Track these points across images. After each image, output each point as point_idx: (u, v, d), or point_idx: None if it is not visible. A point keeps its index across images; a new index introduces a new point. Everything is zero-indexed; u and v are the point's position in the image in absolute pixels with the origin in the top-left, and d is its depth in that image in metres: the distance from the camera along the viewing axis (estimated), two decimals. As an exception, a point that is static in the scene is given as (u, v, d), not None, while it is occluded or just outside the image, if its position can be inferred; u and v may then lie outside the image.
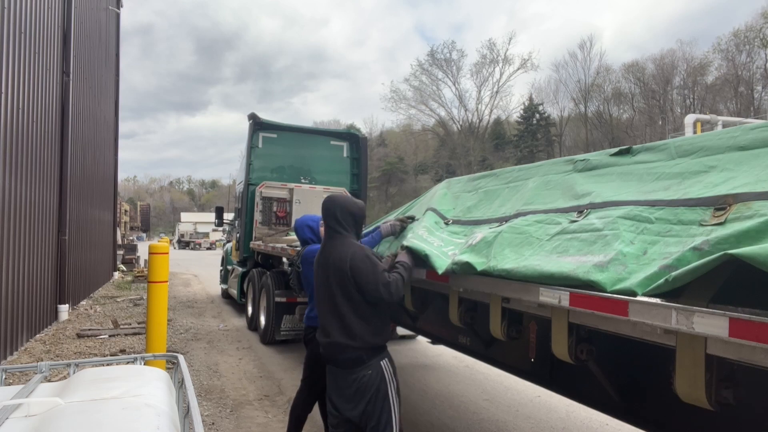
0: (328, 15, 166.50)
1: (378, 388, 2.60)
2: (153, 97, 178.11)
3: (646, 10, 72.71)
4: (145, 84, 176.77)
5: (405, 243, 2.89)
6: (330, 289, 2.65)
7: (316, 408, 4.06)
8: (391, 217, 4.36)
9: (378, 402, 2.59)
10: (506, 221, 2.69)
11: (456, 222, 3.21)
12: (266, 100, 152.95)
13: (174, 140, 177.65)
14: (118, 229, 21.98)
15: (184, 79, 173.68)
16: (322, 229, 4.08)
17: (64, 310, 8.72)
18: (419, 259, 2.75)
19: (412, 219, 3.52)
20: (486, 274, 2.28)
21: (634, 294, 1.59)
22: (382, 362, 2.65)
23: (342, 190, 8.95)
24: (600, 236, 1.97)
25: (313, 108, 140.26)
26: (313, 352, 3.70)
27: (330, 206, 2.79)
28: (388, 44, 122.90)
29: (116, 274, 16.24)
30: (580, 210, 2.29)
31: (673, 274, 1.50)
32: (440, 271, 2.53)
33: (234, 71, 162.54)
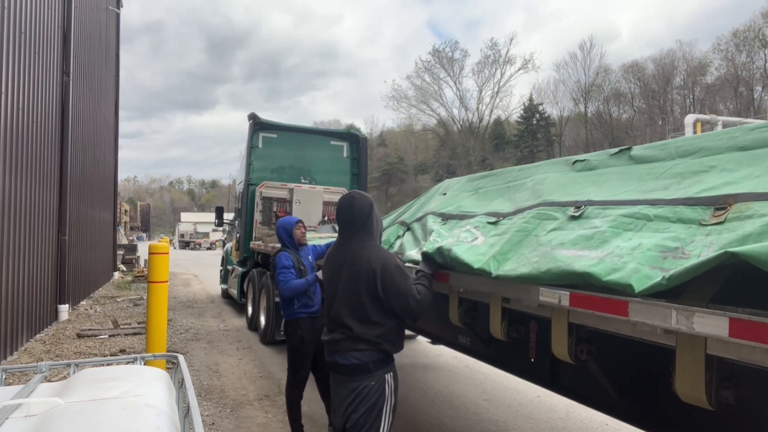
0: (341, 12, 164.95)
1: (375, 402, 2.47)
2: (161, 96, 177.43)
3: (666, 6, 71.87)
4: (153, 83, 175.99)
5: (423, 250, 2.80)
6: (354, 289, 2.50)
7: (315, 407, 4.12)
8: (390, 218, 4.37)
9: (370, 417, 2.46)
10: (504, 217, 2.69)
11: (453, 218, 3.21)
12: (274, 98, 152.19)
13: (179, 139, 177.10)
14: (120, 230, 21.97)
15: (192, 77, 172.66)
16: (297, 232, 4.16)
17: (64, 310, 8.72)
18: (437, 263, 2.67)
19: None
20: (485, 275, 2.28)
21: (630, 287, 1.58)
22: (386, 375, 2.52)
23: (342, 190, 8.96)
24: (598, 232, 1.97)
25: (321, 107, 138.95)
26: (293, 342, 3.99)
27: (360, 206, 2.61)
28: (400, 41, 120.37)
29: (116, 274, 16.24)
30: (578, 205, 2.29)
31: (672, 272, 1.50)
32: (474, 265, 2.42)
33: (243, 70, 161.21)
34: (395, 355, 2.65)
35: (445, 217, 3.30)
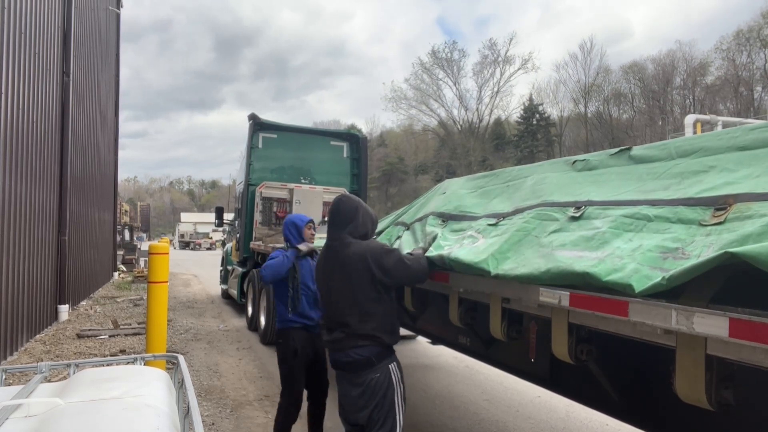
0: (351, 9, 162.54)
1: (385, 393, 2.53)
2: (167, 95, 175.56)
3: (681, 3, 70.51)
4: (160, 82, 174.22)
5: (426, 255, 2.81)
6: (347, 286, 2.58)
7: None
8: (390, 219, 4.36)
9: (384, 408, 2.53)
10: (504, 217, 2.69)
11: (453, 219, 3.21)
12: (280, 98, 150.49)
13: (183, 139, 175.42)
14: (127, 230, 21.82)
15: (200, 76, 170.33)
16: (308, 231, 3.81)
17: (64, 310, 8.72)
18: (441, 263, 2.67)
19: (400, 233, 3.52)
20: (484, 273, 2.28)
21: (630, 287, 1.58)
22: (390, 366, 2.59)
23: (342, 191, 8.97)
24: (598, 233, 1.97)
25: (327, 106, 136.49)
26: (284, 354, 3.60)
27: (349, 210, 2.67)
28: (410, 39, 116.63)
29: (116, 275, 16.24)
30: (578, 206, 2.29)
31: (672, 272, 1.50)
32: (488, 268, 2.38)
33: (251, 68, 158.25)
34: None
35: (446, 218, 3.30)
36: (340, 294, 2.62)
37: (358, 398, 2.55)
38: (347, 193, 2.83)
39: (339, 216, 2.69)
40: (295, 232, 3.77)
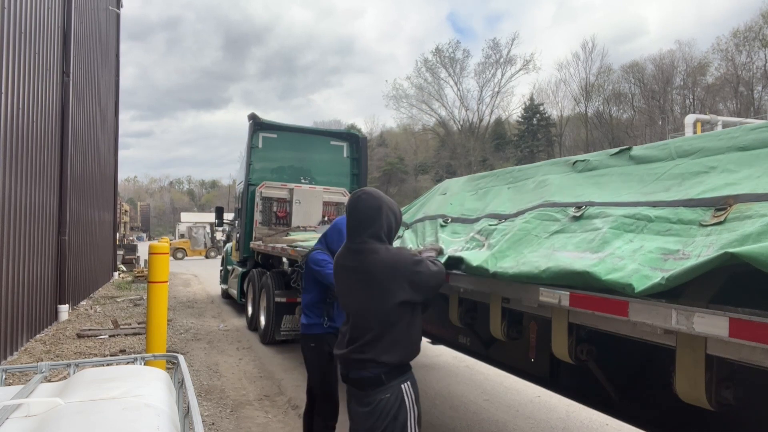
0: (362, 6, 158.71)
1: (396, 415, 2.23)
2: (174, 94, 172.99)
3: (696, 1, 69.96)
4: (167, 81, 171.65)
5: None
6: (370, 299, 2.28)
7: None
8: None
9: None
10: (506, 219, 2.69)
11: (455, 221, 3.21)
12: (287, 96, 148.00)
13: (188, 138, 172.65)
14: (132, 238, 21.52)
15: (207, 75, 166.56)
16: None
17: (64, 310, 8.72)
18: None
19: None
20: (483, 272, 2.28)
21: (630, 286, 1.58)
22: (403, 385, 2.28)
23: (342, 191, 8.98)
24: (599, 234, 1.97)
25: (333, 105, 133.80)
26: (310, 360, 3.50)
27: (372, 209, 2.33)
28: (420, 37, 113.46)
29: (116, 275, 16.24)
30: (579, 206, 2.29)
31: (671, 272, 1.50)
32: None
33: (259, 67, 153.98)
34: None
35: (446, 219, 3.30)
36: (361, 306, 2.32)
37: (366, 418, 2.28)
38: (367, 188, 2.47)
39: (359, 216, 2.34)
40: (339, 240, 3.66)
